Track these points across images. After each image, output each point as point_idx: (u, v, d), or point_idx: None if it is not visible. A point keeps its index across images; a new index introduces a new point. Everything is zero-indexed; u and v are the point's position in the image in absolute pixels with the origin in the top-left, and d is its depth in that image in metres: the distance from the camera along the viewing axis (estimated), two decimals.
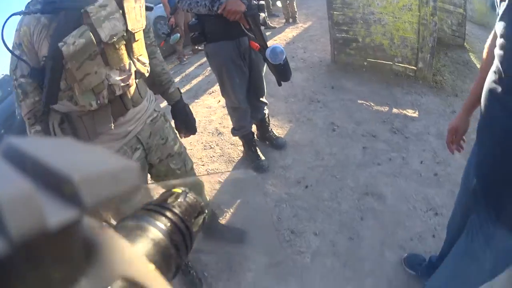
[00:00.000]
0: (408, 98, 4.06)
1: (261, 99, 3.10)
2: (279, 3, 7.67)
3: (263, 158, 3.14)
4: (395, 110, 3.82)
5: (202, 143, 3.62)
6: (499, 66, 1.16)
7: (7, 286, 0.18)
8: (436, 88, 4.29)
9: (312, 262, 2.35)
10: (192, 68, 5.91)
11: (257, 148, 3.17)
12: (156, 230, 0.37)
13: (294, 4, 7.35)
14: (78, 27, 1.40)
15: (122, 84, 1.57)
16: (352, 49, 4.83)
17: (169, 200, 0.43)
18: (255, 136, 3.26)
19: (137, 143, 1.73)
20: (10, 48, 1.48)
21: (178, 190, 0.47)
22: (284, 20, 7.43)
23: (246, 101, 2.92)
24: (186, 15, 6.23)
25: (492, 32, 1.43)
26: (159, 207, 0.41)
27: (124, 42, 1.55)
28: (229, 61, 2.67)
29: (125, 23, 1.53)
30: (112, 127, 1.63)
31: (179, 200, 0.44)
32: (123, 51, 1.56)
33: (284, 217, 2.64)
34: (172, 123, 2.04)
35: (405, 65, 4.54)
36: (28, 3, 1.49)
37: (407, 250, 2.33)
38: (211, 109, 4.33)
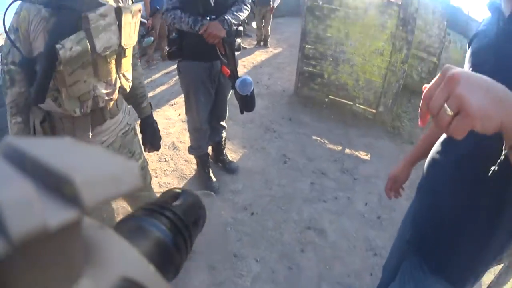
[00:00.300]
0: (362, 140, 4.34)
1: (221, 122, 3.29)
2: (254, 24, 7.91)
3: (214, 180, 3.32)
4: (347, 151, 4.09)
5: (157, 154, 3.73)
6: (446, 139, 1.33)
7: (7, 286, 0.19)
8: (392, 134, 4.59)
9: (252, 286, 2.52)
10: (158, 75, 6.03)
11: (210, 169, 3.35)
12: (156, 230, 0.38)
13: (269, 28, 7.65)
14: (76, 30, 1.45)
15: (107, 98, 1.66)
16: (316, 84, 5.06)
17: (169, 200, 0.45)
18: (209, 157, 3.42)
19: None
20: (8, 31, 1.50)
21: (178, 190, 0.48)
22: (255, 42, 7.72)
23: (207, 122, 3.09)
24: (163, 20, 6.33)
25: None
26: (159, 207, 0.43)
27: (115, 57, 1.62)
28: (199, 81, 2.84)
29: (119, 37, 1.58)
30: (90, 136, 1.71)
31: (179, 200, 0.46)
32: (113, 65, 1.63)
33: (228, 240, 2.81)
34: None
35: (365, 107, 4.80)
36: None
37: (344, 286, 2.54)
38: (170, 121, 4.47)
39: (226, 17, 2.63)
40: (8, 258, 0.18)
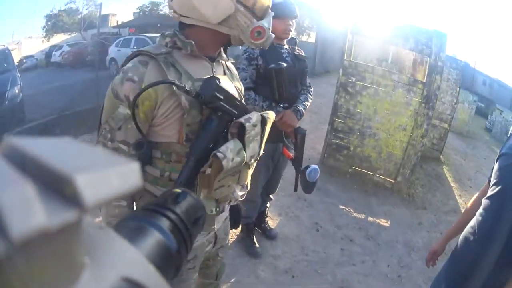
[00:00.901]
0: (382, 208, 5.05)
1: (270, 195, 3.74)
2: None
3: (257, 245, 3.70)
4: (370, 219, 4.78)
5: None
6: (476, 225, 1.95)
7: (7, 286, 0.20)
8: (407, 201, 5.31)
9: None
10: None
11: (254, 236, 3.75)
12: (157, 230, 0.42)
13: None
14: (223, 133, 1.45)
15: (240, 199, 1.65)
16: (342, 155, 5.63)
17: (169, 201, 0.49)
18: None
19: (213, 238, 1.79)
20: (112, 96, 1.39)
21: (178, 190, 0.53)
22: None
23: (259, 195, 3.47)
24: None
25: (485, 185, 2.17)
26: (159, 207, 0.47)
27: (254, 163, 1.62)
28: (262, 161, 2.94)
29: (260, 146, 1.57)
30: (215, 229, 1.73)
31: (179, 200, 0.50)
32: (250, 170, 1.62)
33: None
34: None
35: (385, 178, 5.44)
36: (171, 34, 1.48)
37: None
38: None
39: (299, 108, 2.96)
40: (8, 258, 0.19)
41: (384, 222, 4.80)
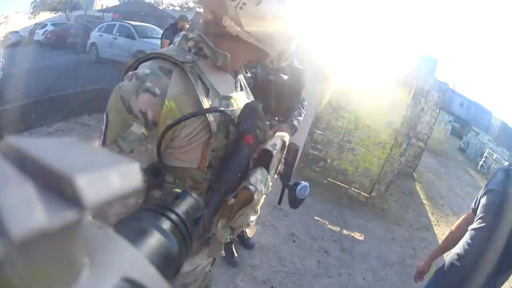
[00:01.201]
0: (356, 222, 5.17)
1: None
2: None
3: (236, 254, 3.73)
4: (345, 232, 4.90)
5: None
6: (462, 253, 2.13)
7: (7, 286, 0.20)
8: (381, 215, 5.45)
9: None
10: None
11: (233, 245, 3.76)
12: (157, 230, 0.42)
13: None
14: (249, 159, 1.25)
15: (251, 224, 1.43)
16: (319, 167, 5.74)
17: (170, 201, 0.50)
18: None
19: (212, 259, 1.61)
20: (123, 109, 1.06)
21: (178, 190, 0.54)
22: None
23: None
24: None
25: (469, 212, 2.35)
26: (160, 207, 0.47)
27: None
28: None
29: (275, 171, 1.46)
30: (223, 253, 1.57)
31: (179, 201, 0.50)
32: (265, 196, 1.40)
33: None
34: None
35: (360, 191, 5.56)
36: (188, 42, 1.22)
37: None
38: None
39: (294, 123, 3.00)
40: (8, 258, 0.19)
41: (358, 236, 4.92)
